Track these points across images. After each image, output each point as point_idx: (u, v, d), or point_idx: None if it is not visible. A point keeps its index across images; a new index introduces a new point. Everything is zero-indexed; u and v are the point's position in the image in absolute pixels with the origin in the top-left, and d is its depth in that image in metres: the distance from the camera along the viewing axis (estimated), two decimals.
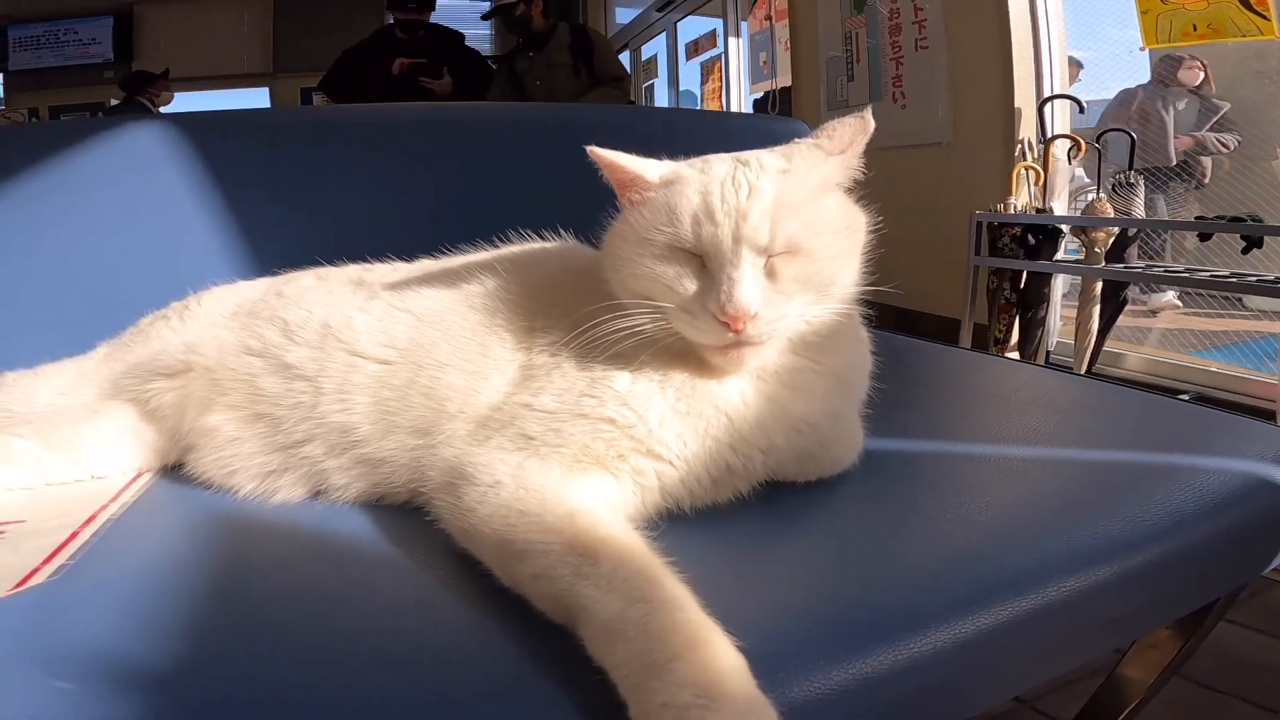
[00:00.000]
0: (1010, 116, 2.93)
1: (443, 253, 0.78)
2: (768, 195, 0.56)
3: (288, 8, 7.26)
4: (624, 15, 7.26)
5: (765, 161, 0.60)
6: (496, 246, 0.77)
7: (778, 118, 1.86)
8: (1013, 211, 2.58)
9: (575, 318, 0.60)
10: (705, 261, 0.56)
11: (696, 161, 0.62)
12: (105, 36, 7.06)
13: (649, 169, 0.61)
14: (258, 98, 7.05)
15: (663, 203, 0.58)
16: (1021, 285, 2.60)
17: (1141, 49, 2.65)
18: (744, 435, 0.59)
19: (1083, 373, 2.49)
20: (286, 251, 0.90)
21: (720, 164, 0.60)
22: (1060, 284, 2.65)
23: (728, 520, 0.60)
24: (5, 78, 6.83)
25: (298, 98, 7.00)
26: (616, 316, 0.57)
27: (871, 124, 0.62)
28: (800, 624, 0.48)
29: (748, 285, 0.54)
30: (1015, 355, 2.62)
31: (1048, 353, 2.66)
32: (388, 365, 0.64)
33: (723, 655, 0.41)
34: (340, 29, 7.22)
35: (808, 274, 0.57)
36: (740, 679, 0.40)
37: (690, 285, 0.56)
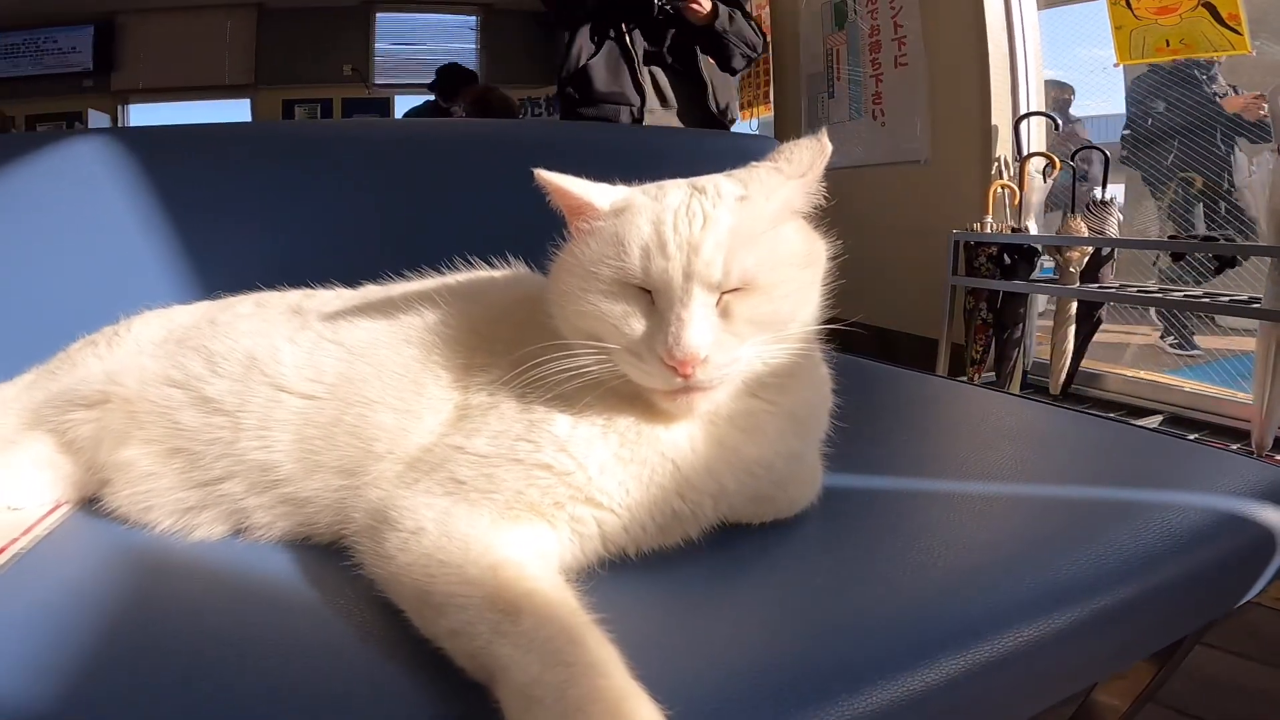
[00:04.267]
0: (987, 134, 2.94)
1: (394, 278, 0.75)
2: (722, 225, 0.53)
3: (271, 19, 7.23)
4: None
5: (723, 188, 0.56)
6: (442, 274, 0.74)
7: (755, 135, 1.85)
8: (989, 230, 2.58)
9: (517, 355, 0.57)
10: (655, 299, 0.53)
11: (651, 187, 0.58)
12: (85, 46, 6.99)
13: (599, 195, 0.57)
14: (239, 109, 7.00)
15: (611, 233, 0.55)
16: (998, 305, 2.59)
17: (1115, 65, 2.68)
18: (692, 482, 0.55)
19: (1057, 393, 2.48)
20: (234, 273, 0.87)
21: (675, 191, 0.56)
22: (1037, 304, 2.65)
23: (673, 568, 0.57)
24: None
25: (279, 109, 6.97)
26: (560, 356, 0.54)
27: (829, 146, 0.58)
28: (737, 682, 0.45)
29: (698, 326, 0.51)
30: (992, 374, 2.62)
31: (1024, 373, 2.66)
32: (313, 401, 0.60)
33: None
34: (324, 41, 7.23)
35: (764, 313, 0.53)
36: None
37: (638, 325, 0.53)
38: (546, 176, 0.57)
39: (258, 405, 0.61)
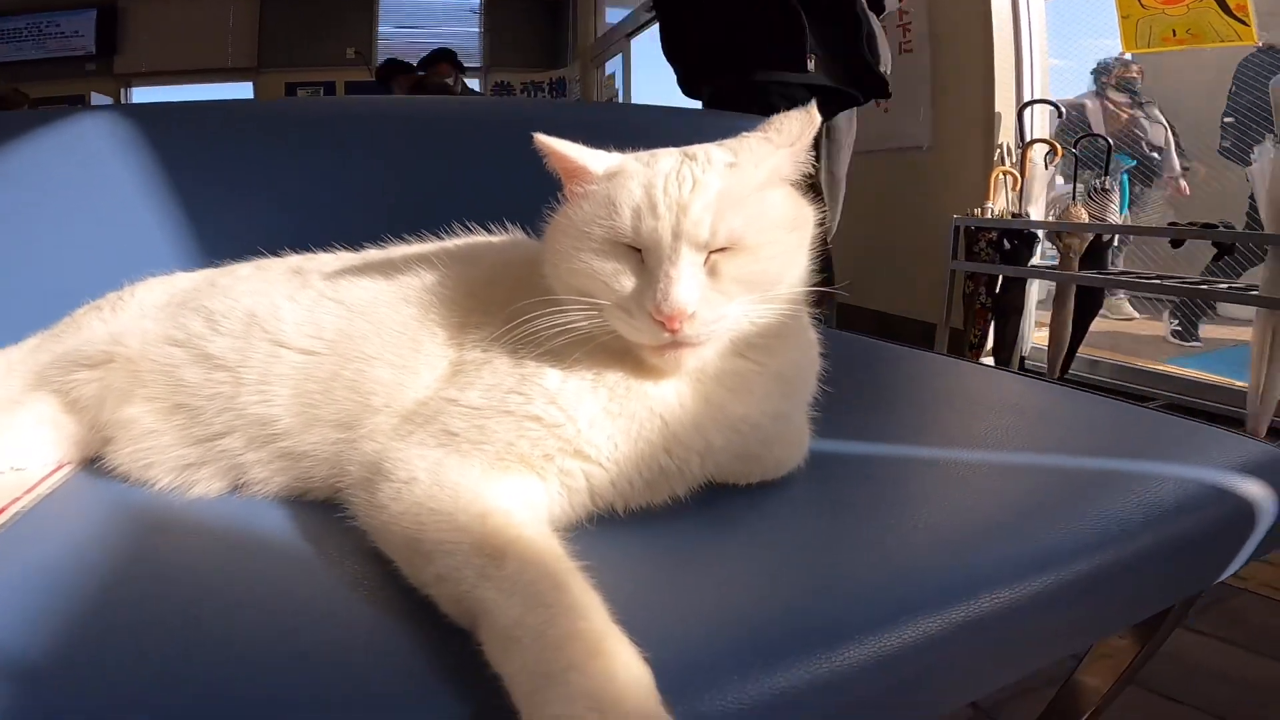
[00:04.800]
0: (990, 121, 2.94)
1: (395, 241, 0.76)
2: (711, 189, 0.54)
3: (274, 2, 7.21)
4: (614, 15, 7.24)
5: (713, 155, 0.58)
6: (441, 239, 0.75)
7: (746, 116, 1.84)
8: (990, 216, 2.58)
9: (509, 312, 0.59)
10: (644, 257, 0.55)
11: (644, 155, 0.60)
12: (88, 29, 6.98)
13: (594, 160, 0.59)
14: (241, 92, 7.00)
15: (604, 195, 0.57)
16: (997, 290, 2.60)
17: (1121, 54, 2.67)
18: (679, 438, 0.57)
19: (1055, 378, 2.49)
20: (237, 244, 0.88)
21: (667, 158, 0.58)
22: (1035, 290, 2.65)
23: (660, 524, 0.58)
24: None
25: (282, 92, 6.95)
26: (552, 311, 0.55)
27: (818, 118, 0.60)
28: (719, 635, 0.46)
29: (685, 283, 0.53)
30: (990, 360, 2.62)
31: (1022, 358, 2.67)
32: (313, 356, 0.62)
33: (624, 667, 0.39)
34: (327, 25, 7.21)
35: (751, 273, 0.55)
36: (641, 692, 0.38)
37: (627, 282, 0.55)
38: (545, 140, 0.59)
39: (258, 361, 0.62)
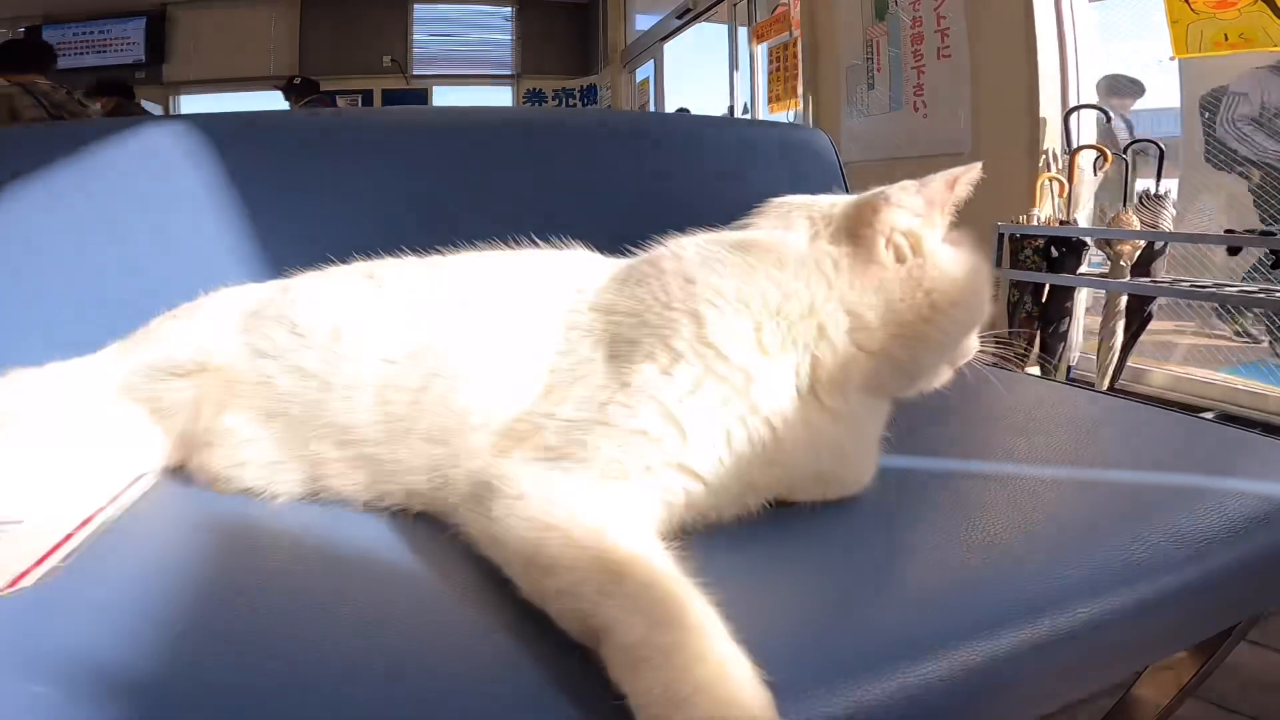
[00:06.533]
0: (1035, 126, 2.89)
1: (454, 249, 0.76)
2: None
3: (314, 12, 7.36)
4: (644, 21, 7.27)
5: None
6: (510, 247, 0.75)
7: (798, 126, 1.83)
8: (1036, 223, 2.55)
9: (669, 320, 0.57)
10: None
11: None
12: (138, 37, 7.17)
13: None
14: (283, 101, 7.13)
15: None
16: (1043, 299, 2.56)
17: (1171, 59, 2.62)
18: (774, 457, 0.57)
19: (1104, 389, 2.44)
20: (302, 254, 0.89)
21: None
22: (1083, 298, 2.60)
23: (733, 538, 0.58)
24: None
25: None
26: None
27: None
28: (804, 650, 0.46)
29: None
30: (1036, 370, 2.58)
31: (1069, 368, 2.62)
32: (396, 366, 0.63)
33: (750, 691, 0.39)
34: (365, 34, 7.34)
35: None
36: (766, 716, 0.38)
37: None
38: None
39: (347, 373, 0.63)
